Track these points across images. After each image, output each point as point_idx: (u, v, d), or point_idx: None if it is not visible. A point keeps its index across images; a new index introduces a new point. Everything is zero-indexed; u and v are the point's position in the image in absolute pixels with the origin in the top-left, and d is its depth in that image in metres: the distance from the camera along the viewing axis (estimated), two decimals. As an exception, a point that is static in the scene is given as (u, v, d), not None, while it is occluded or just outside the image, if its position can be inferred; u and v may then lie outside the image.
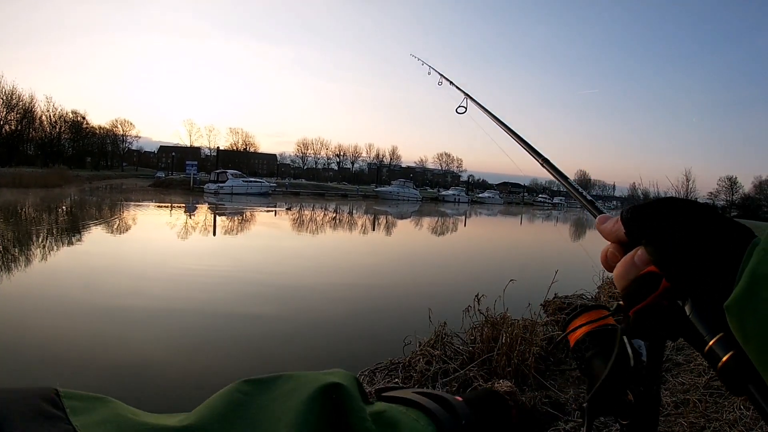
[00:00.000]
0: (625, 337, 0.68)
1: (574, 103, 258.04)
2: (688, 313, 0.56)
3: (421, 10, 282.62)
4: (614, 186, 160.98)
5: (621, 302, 0.65)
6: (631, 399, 0.65)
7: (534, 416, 0.58)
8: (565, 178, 1.02)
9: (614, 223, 0.66)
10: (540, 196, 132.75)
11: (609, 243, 0.68)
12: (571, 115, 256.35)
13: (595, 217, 0.76)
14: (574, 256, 18.60)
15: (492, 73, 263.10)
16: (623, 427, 0.67)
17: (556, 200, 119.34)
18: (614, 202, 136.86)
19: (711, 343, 0.53)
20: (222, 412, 0.35)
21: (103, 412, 0.31)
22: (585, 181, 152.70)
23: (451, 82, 2.38)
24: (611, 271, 0.66)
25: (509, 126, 1.41)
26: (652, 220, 0.61)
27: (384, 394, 0.49)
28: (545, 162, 1.16)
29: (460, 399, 0.49)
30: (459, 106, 2.15)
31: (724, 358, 0.51)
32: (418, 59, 3.16)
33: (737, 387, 0.51)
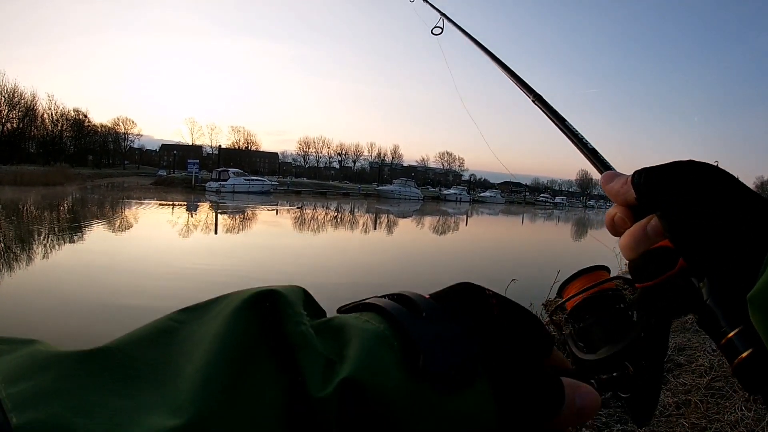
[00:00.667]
0: (632, 311, 0.59)
1: (575, 102, 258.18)
2: (705, 298, 0.51)
3: (425, 6, 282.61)
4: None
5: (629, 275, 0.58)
6: (631, 371, 0.57)
7: (519, 311, 0.48)
8: (561, 120, 0.88)
9: (623, 183, 0.57)
10: (541, 195, 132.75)
11: (616, 205, 0.59)
12: (574, 114, 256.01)
13: (600, 172, 0.66)
14: (576, 255, 18.62)
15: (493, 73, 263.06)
16: (622, 401, 0.59)
17: (557, 200, 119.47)
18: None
19: (730, 335, 0.48)
20: (143, 337, 0.30)
21: (22, 350, 0.28)
22: (586, 181, 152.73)
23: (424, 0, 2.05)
24: (618, 236, 0.58)
25: (492, 52, 1.22)
26: (670, 188, 0.52)
27: (344, 307, 0.42)
28: (537, 99, 1.01)
29: (427, 296, 0.40)
30: (435, 27, 1.93)
31: (743, 355, 0.47)
32: None
33: (753, 384, 0.47)
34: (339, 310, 0.42)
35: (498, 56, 1.16)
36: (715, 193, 0.50)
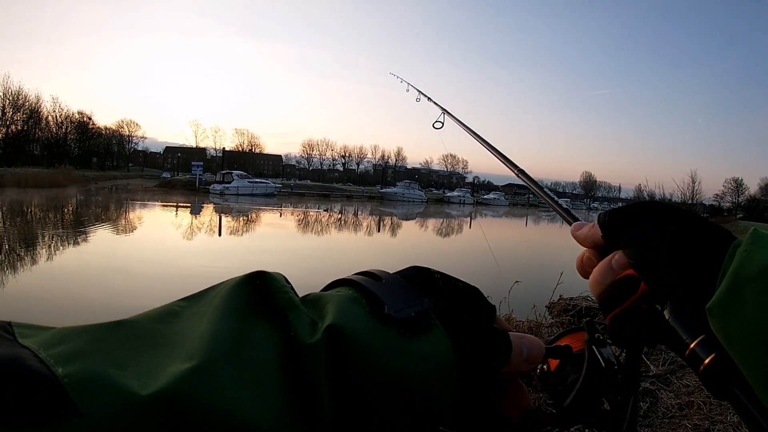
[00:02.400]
0: (594, 346, 0.62)
1: (584, 104, 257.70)
2: (667, 317, 0.55)
3: (428, 9, 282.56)
4: (620, 188, 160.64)
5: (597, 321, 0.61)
6: (608, 408, 0.61)
7: (460, 284, 0.54)
8: (540, 188, 1.03)
9: (590, 228, 0.65)
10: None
11: (585, 249, 0.67)
12: (579, 116, 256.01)
13: (570, 224, 0.74)
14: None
15: (500, 74, 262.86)
16: None
17: (561, 201, 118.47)
18: (620, 204, 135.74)
19: (692, 345, 0.52)
20: (155, 316, 0.36)
21: (49, 332, 0.32)
22: (590, 183, 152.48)
23: (428, 98, 2.42)
24: (587, 278, 0.64)
25: (485, 139, 1.44)
26: (631, 224, 0.60)
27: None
28: (520, 172, 1.17)
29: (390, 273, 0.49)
30: (436, 121, 2.16)
31: (707, 361, 0.51)
32: (397, 77, 3.19)
33: (720, 390, 0.50)
34: (321, 289, 0.48)
35: (491, 142, 1.39)
36: (671, 225, 0.57)
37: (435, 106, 2.20)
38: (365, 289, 0.43)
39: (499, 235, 31.28)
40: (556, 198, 0.95)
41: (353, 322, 0.39)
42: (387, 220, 35.26)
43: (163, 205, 34.85)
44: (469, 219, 43.67)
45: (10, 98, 69.98)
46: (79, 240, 15.27)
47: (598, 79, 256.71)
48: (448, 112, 2.06)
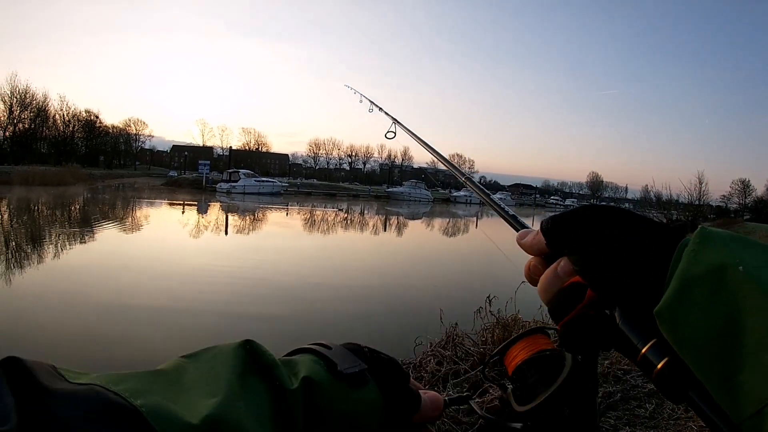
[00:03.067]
0: (569, 356, 0.66)
1: (586, 104, 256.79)
2: (617, 322, 0.55)
3: (436, 8, 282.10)
4: (626, 188, 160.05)
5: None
6: (568, 413, 0.64)
7: (383, 355, 0.59)
8: (487, 194, 1.06)
9: (534, 235, 0.65)
10: (552, 197, 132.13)
11: (531, 257, 0.67)
12: (586, 116, 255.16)
13: (517, 231, 0.73)
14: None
15: (505, 73, 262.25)
16: None
17: (568, 202, 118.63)
18: (627, 205, 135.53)
19: (644, 350, 0.52)
20: (172, 367, 0.46)
21: (92, 375, 0.39)
22: (597, 183, 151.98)
23: (380, 108, 2.51)
24: (536, 286, 0.64)
25: (433, 147, 1.53)
26: (573, 229, 0.59)
27: (287, 353, 0.65)
28: (467, 179, 1.20)
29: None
30: (388, 131, 2.21)
31: (659, 366, 0.50)
32: (351, 88, 3.30)
33: (675, 394, 0.50)
34: (286, 354, 0.63)
35: (436, 149, 1.52)
36: (615, 229, 0.57)
37: (387, 117, 2.27)
38: (322, 354, 0.61)
39: (506, 235, 31.24)
40: (501, 204, 0.95)
41: (318, 376, 0.56)
42: (394, 220, 35.24)
43: (170, 204, 34.95)
44: (475, 219, 43.59)
45: (18, 97, 70.56)
46: (86, 237, 15.33)
47: (606, 80, 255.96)
48: (399, 122, 2.13)
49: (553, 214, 0.62)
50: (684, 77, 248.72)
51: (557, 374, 0.64)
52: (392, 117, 2.23)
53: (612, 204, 0.64)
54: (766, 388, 0.43)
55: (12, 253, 12.09)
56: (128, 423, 0.35)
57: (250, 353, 0.51)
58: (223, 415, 0.40)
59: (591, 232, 0.58)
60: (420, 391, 0.71)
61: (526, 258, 0.63)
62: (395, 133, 2.21)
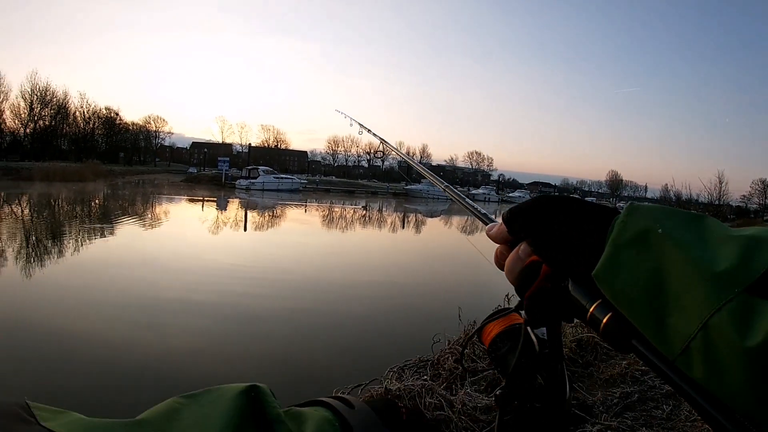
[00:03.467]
0: (528, 328, 0.75)
1: (605, 101, 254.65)
2: (570, 291, 0.62)
3: (455, 5, 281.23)
4: (646, 187, 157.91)
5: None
6: (541, 383, 0.72)
7: (422, 417, 0.63)
8: (462, 198, 1.15)
9: (498, 226, 0.74)
10: (571, 196, 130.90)
11: (498, 245, 0.75)
12: (606, 114, 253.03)
13: (486, 225, 0.83)
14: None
15: (530, 71, 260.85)
16: (537, 411, 0.73)
17: (587, 200, 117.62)
18: (646, 204, 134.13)
19: (591, 309, 0.59)
20: (162, 412, 0.43)
21: (66, 418, 0.37)
22: (616, 182, 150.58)
23: (368, 130, 2.80)
24: (503, 270, 0.72)
25: (415, 162, 1.67)
26: (529, 217, 0.68)
27: (299, 403, 0.59)
28: (447, 188, 1.31)
29: (361, 399, 0.59)
30: (377, 151, 2.48)
31: (604, 320, 0.57)
32: (342, 113, 3.48)
33: (621, 345, 0.56)
34: (295, 405, 0.57)
35: (416, 163, 1.65)
36: (561, 213, 0.66)
37: (375, 137, 2.50)
38: (339, 414, 0.54)
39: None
40: (475, 205, 1.03)
41: None
42: (412, 217, 35.25)
43: (190, 200, 35.26)
44: (493, 217, 43.47)
45: (38, 94, 71.18)
46: (106, 233, 15.51)
47: (627, 77, 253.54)
48: (385, 141, 2.29)
49: (512, 206, 0.71)
50: (706, 74, 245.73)
51: (527, 344, 0.73)
52: (380, 137, 2.41)
53: (576, 196, 0.72)
54: (689, 326, 0.49)
55: (33, 248, 12.27)
56: None
57: (253, 402, 0.49)
58: None
59: (543, 217, 0.67)
60: None
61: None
62: (384, 153, 2.42)
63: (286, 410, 0.52)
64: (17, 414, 0.35)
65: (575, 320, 0.65)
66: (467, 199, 1.09)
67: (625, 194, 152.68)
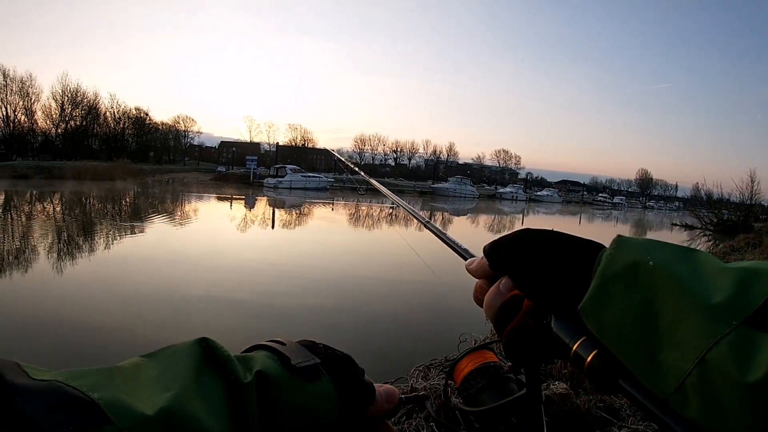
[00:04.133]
0: (505, 368, 0.76)
1: (636, 98, 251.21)
2: (552, 327, 0.60)
3: (482, 3, 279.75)
4: (677, 186, 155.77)
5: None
6: (516, 424, 0.71)
7: (337, 352, 0.59)
8: (443, 234, 1.10)
9: (479, 260, 0.72)
10: (599, 195, 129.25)
11: (477, 280, 0.73)
12: (637, 111, 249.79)
13: (465, 259, 0.81)
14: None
15: (559, 68, 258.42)
16: None
17: (616, 200, 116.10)
18: (676, 203, 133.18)
19: (575, 347, 0.56)
20: (132, 365, 0.48)
21: (52, 373, 0.41)
22: (646, 181, 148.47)
23: (357, 171, 3.14)
24: (482, 306, 0.70)
25: (401, 201, 1.74)
26: (511, 249, 0.67)
27: (244, 349, 0.66)
28: (425, 225, 1.29)
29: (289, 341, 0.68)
30: (360, 188, 2.65)
31: (589, 358, 0.55)
32: (333, 151, 4.23)
33: (606, 384, 0.54)
34: (241, 352, 0.65)
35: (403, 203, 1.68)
36: (544, 246, 0.64)
37: (360, 176, 2.77)
38: (275, 350, 0.63)
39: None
40: (455, 240, 1.00)
41: (271, 370, 0.57)
42: (438, 216, 35.13)
43: (219, 198, 35.64)
44: (521, 216, 43.20)
45: (69, 95, 73.22)
46: (137, 229, 15.72)
47: (658, 73, 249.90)
48: (369, 180, 2.45)
49: (494, 239, 0.70)
50: (738, 70, 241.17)
51: (503, 383, 0.73)
52: (363, 176, 2.69)
53: (560, 231, 0.70)
54: (683, 361, 0.47)
55: (64, 244, 12.49)
56: (85, 414, 0.38)
57: (205, 350, 0.53)
58: (177, 408, 0.43)
59: (527, 251, 0.65)
60: (375, 385, 0.72)
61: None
62: (366, 189, 2.66)
63: (234, 355, 0.58)
64: (14, 368, 0.39)
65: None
66: (446, 234, 1.06)
67: (655, 193, 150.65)
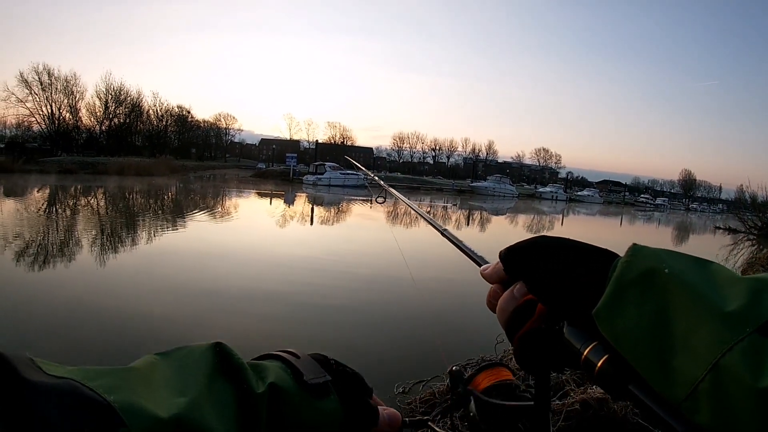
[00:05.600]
0: (520, 380, 0.75)
1: (680, 96, 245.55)
2: (564, 334, 0.60)
3: (522, 1, 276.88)
4: (720, 188, 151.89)
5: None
6: (522, 430, 0.72)
7: (348, 369, 0.61)
8: (460, 242, 1.12)
9: (494, 265, 0.73)
10: (641, 196, 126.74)
11: (492, 285, 0.75)
12: (680, 109, 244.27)
13: (480, 266, 0.82)
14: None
15: (601, 66, 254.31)
16: None
17: (658, 201, 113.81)
18: (720, 206, 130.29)
19: (585, 352, 0.57)
20: (144, 365, 0.48)
21: (65, 369, 0.41)
22: (689, 182, 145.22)
23: (374, 179, 3.24)
24: (494, 311, 0.72)
25: (417, 209, 1.71)
26: (526, 255, 0.68)
27: (256, 357, 0.67)
28: (443, 233, 1.29)
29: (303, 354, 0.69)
30: (378, 196, 2.83)
31: (599, 363, 0.55)
32: (353, 161, 4.25)
33: (617, 389, 0.54)
34: (254, 358, 0.66)
35: (420, 211, 1.64)
36: (560, 252, 0.65)
37: (379, 186, 2.83)
38: (290, 363, 0.65)
39: (590, 233, 30.42)
40: (472, 248, 1.02)
41: (284, 383, 0.59)
42: (477, 215, 34.97)
43: (259, 194, 36.08)
44: (561, 216, 42.68)
45: (113, 93, 75.25)
46: (180, 223, 16.00)
47: (704, 70, 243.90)
48: (389, 189, 2.48)
49: (509, 245, 0.71)
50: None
51: (517, 399, 0.74)
52: (382, 184, 2.77)
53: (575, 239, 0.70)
54: (696, 368, 0.47)
55: (108, 237, 12.77)
56: (101, 418, 0.38)
57: (219, 355, 0.54)
58: (190, 414, 0.43)
59: (542, 256, 0.66)
60: (380, 407, 0.74)
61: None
62: (385, 198, 2.76)
63: (247, 362, 0.58)
64: (28, 363, 0.39)
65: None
66: (462, 242, 1.07)
67: (699, 195, 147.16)
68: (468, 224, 28.14)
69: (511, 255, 0.70)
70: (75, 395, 0.38)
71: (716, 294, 0.51)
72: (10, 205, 19.59)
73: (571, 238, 0.68)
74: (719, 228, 39.54)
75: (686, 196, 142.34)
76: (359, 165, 4.05)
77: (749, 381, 0.44)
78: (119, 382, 0.43)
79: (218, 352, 0.54)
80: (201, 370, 0.51)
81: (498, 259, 0.72)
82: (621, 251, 0.58)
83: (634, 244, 0.60)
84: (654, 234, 33.24)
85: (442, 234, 1.27)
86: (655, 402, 0.50)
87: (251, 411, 0.51)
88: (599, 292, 0.57)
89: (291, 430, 0.57)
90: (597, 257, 0.63)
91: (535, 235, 0.70)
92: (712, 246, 20.96)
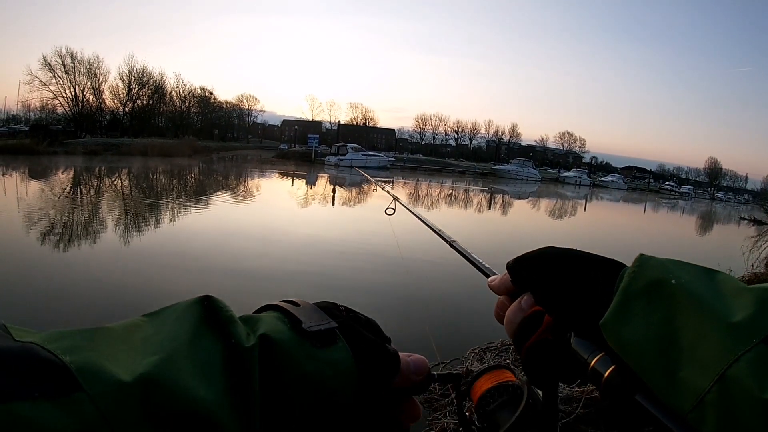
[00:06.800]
0: (527, 389, 0.71)
1: (709, 82, 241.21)
2: (572, 345, 0.61)
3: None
4: (746, 177, 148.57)
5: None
6: None
7: (363, 319, 0.56)
8: (468, 255, 1.07)
9: (502, 277, 0.73)
10: (666, 183, 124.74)
11: (499, 297, 0.74)
12: (708, 96, 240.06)
13: (488, 277, 0.81)
14: (702, 251, 17.58)
15: (629, 50, 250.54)
16: None
17: (683, 189, 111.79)
18: (745, 196, 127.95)
19: (593, 363, 0.57)
20: (126, 325, 0.46)
21: (38, 335, 0.40)
22: (715, 171, 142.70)
23: (383, 188, 3.23)
24: (502, 323, 0.71)
25: (426, 220, 1.68)
26: (534, 267, 0.68)
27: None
28: (451, 244, 1.26)
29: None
30: (388, 208, 2.74)
31: (606, 374, 0.55)
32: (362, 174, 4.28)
33: (623, 399, 0.54)
34: (253, 312, 0.60)
35: (429, 223, 1.60)
36: (567, 263, 0.65)
37: (388, 196, 2.81)
38: (287, 311, 0.57)
39: (614, 221, 30.15)
40: (477, 257, 1.01)
41: (278, 334, 0.52)
42: (499, 198, 34.84)
43: (281, 174, 36.32)
44: (584, 202, 42.33)
45: (136, 75, 75.25)
46: (203, 204, 16.16)
47: (737, 55, 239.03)
48: (398, 200, 2.47)
49: (516, 256, 0.70)
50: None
51: (520, 402, 0.69)
52: (393, 195, 2.77)
53: (582, 250, 0.70)
54: (703, 378, 0.48)
55: (132, 217, 12.94)
56: (54, 379, 0.36)
57: (206, 309, 0.49)
58: (160, 374, 0.40)
59: (549, 268, 0.66)
60: (401, 354, 0.64)
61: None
62: (395, 210, 2.71)
63: (239, 316, 0.53)
64: None
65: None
66: (471, 254, 1.05)
67: (724, 184, 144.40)
68: (490, 207, 28.04)
69: (518, 266, 0.69)
70: (30, 358, 0.36)
71: (723, 304, 0.51)
72: (37, 186, 20.03)
73: (578, 248, 0.68)
74: (744, 219, 39.01)
75: (711, 185, 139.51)
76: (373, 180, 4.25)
77: (756, 392, 0.44)
78: (83, 342, 0.41)
79: (205, 306, 0.50)
80: (183, 326, 0.47)
81: (506, 271, 0.72)
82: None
83: (641, 255, 0.60)
84: (678, 222, 32.84)
85: (451, 245, 1.27)
86: (663, 412, 0.50)
87: (240, 367, 0.47)
88: (606, 303, 0.57)
89: (292, 386, 0.51)
90: (604, 268, 0.63)
91: (543, 246, 0.70)
92: (736, 237, 20.63)
